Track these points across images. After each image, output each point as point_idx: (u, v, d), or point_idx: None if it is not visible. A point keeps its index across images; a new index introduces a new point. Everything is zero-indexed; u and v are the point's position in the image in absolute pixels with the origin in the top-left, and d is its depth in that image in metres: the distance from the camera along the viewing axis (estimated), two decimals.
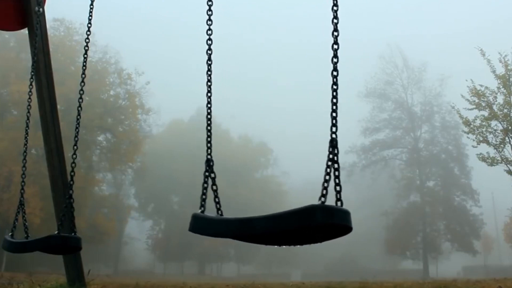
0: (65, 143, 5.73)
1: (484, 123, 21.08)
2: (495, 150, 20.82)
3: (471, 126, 21.41)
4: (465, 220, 42.00)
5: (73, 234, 3.76)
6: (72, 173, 3.85)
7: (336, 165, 2.09)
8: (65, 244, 3.76)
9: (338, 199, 2.05)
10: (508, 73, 20.82)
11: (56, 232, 3.69)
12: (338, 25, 2.32)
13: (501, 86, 20.96)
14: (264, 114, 78.72)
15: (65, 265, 5.64)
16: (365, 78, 47.09)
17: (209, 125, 2.81)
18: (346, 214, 1.99)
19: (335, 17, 2.33)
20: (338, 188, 2.08)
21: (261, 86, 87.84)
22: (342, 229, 2.05)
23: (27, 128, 4.48)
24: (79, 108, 4.09)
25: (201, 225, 2.37)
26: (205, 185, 2.58)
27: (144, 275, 33.45)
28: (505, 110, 20.60)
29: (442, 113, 45.48)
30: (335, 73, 2.27)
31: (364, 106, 46.72)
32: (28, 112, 4.47)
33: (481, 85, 21.42)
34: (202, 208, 2.49)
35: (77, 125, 3.98)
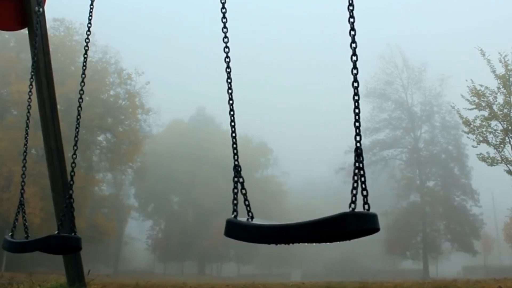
0: (65, 143, 5.73)
1: (484, 123, 21.07)
2: (495, 150, 20.82)
3: (471, 126, 21.41)
4: (465, 220, 42.00)
5: (73, 234, 3.76)
6: (72, 173, 3.85)
7: (362, 172, 2.20)
8: (65, 244, 3.76)
9: (366, 202, 2.17)
10: (508, 73, 20.81)
11: (56, 232, 3.69)
12: (355, 24, 2.34)
13: (501, 86, 20.96)
14: (264, 114, 78.78)
15: (65, 265, 5.64)
16: (365, 78, 47.01)
17: (233, 131, 2.88)
18: (374, 218, 2.13)
19: (351, 16, 2.35)
20: (365, 192, 2.19)
21: (261, 86, 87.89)
22: (371, 231, 2.16)
23: (27, 128, 4.48)
24: (79, 108, 4.09)
25: (236, 230, 2.47)
26: (235, 190, 2.66)
27: (144, 275, 33.45)
28: (505, 110, 20.59)
29: (442, 113, 45.49)
30: (355, 84, 2.30)
31: (364, 106, 46.67)
32: (28, 112, 4.47)
33: (481, 85, 21.42)
34: (235, 213, 2.57)
35: (77, 125, 3.98)
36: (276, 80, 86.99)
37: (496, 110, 20.83)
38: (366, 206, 2.16)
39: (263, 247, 35.39)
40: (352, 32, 2.32)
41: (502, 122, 20.65)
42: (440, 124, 45.69)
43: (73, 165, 3.87)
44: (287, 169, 59.52)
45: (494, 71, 21.01)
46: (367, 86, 46.33)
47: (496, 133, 20.79)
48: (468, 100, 21.81)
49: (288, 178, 59.95)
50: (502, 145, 20.56)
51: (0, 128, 30.50)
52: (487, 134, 20.89)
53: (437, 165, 44.54)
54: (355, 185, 2.15)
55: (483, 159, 21.33)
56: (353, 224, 2.03)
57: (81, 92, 4.06)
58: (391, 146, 46.24)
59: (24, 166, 4.36)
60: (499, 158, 20.70)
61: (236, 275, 50.18)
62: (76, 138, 3.95)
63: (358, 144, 2.24)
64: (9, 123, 30.67)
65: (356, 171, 2.19)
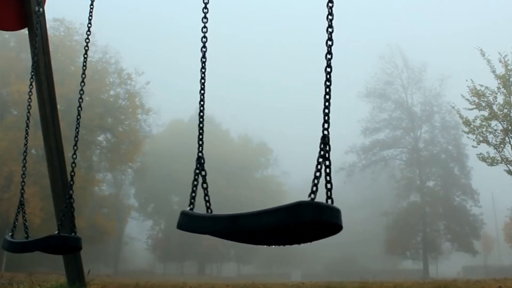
0: (65, 143, 5.73)
1: (484, 123, 21.07)
2: (495, 150, 20.81)
3: (471, 126, 21.40)
4: (465, 220, 42.00)
5: (73, 234, 3.76)
6: (72, 173, 3.85)
7: (327, 162, 2.05)
8: (65, 244, 3.76)
9: (329, 196, 2.00)
10: (508, 73, 20.81)
11: (56, 232, 3.69)
12: (333, 22, 2.30)
13: (501, 86, 20.96)
14: (264, 114, 78.78)
15: (65, 265, 5.64)
16: (365, 78, 47.13)
17: (201, 122, 2.87)
18: (336, 212, 1.93)
19: (330, 13, 2.31)
20: (329, 185, 2.02)
21: (261, 86, 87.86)
22: (332, 228, 2.00)
23: (27, 128, 4.49)
24: (79, 108, 4.09)
25: (189, 222, 2.35)
26: (195, 182, 2.58)
27: (144, 275, 33.45)
28: (505, 110, 20.59)
29: (442, 113, 45.49)
30: (328, 69, 2.25)
31: (364, 106, 46.75)
32: (28, 112, 4.48)
33: (481, 85, 21.42)
34: (191, 206, 2.47)
35: (77, 125, 3.99)
36: (276, 80, 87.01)
37: (496, 110, 20.84)
38: (329, 201, 1.99)
39: (263, 247, 35.34)
40: (330, 29, 2.28)
41: (502, 122, 20.65)
42: (440, 124, 45.69)
43: (73, 165, 3.88)
44: (287, 169, 59.56)
45: (494, 71, 21.02)
46: (367, 86, 46.44)
47: (496, 133, 20.79)
48: (468, 100, 21.82)
49: (288, 178, 60.00)
50: (502, 145, 20.56)
51: (0, 128, 30.49)
52: (487, 134, 20.90)
53: (437, 165, 44.54)
54: (317, 174, 2.01)
55: (483, 159, 21.32)
56: (308, 215, 1.85)
57: (81, 92, 4.06)
58: (391, 146, 46.24)
59: (24, 166, 4.37)
60: (499, 158, 20.71)
61: (236, 275, 50.19)
62: (76, 138, 3.95)
63: (325, 132, 2.10)
64: (9, 123, 30.65)
65: (321, 159, 2.04)
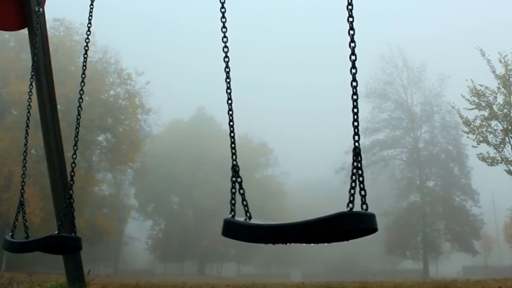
0: (65, 143, 5.74)
1: (484, 123, 21.06)
2: (495, 150, 20.80)
3: (471, 126, 21.40)
4: (465, 220, 42.00)
5: (73, 234, 3.76)
6: (72, 173, 3.85)
7: (360, 172, 2.18)
8: (65, 244, 3.76)
9: (364, 202, 2.17)
10: (508, 73, 20.81)
11: (56, 232, 3.69)
12: (354, 24, 2.36)
13: (501, 86, 20.95)
14: (264, 114, 78.74)
15: (65, 265, 5.64)
16: (365, 78, 47.05)
17: (232, 131, 2.87)
18: (372, 218, 2.12)
19: (351, 15, 2.36)
20: (363, 192, 2.19)
21: (261, 87, 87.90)
22: (369, 231, 2.16)
23: (27, 128, 4.48)
24: (79, 108, 4.09)
25: (234, 230, 2.46)
26: (233, 190, 2.64)
27: (144, 275, 33.48)
28: (505, 110, 20.58)
29: (442, 113, 45.50)
30: (354, 83, 2.30)
31: (364, 106, 46.69)
32: (28, 112, 4.47)
33: (481, 85, 21.41)
34: (233, 213, 2.56)
35: (77, 125, 3.98)
36: (276, 80, 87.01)
37: (496, 110, 20.82)
38: (364, 206, 2.15)
39: (263, 247, 35.39)
40: (351, 32, 2.33)
41: (502, 122, 20.64)
42: (440, 124, 45.70)
43: (73, 165, 3.88)
44: (287, 169, 59.58)
45: (494, 71, 21.01)
46: (367, 86, 46.37)
47: (496, 133, 20.78)
48: (468, 100, 21.81)
49: (288, 178, 60.01)
50: (502, 145, 20.55)
51: (0, 128, 30.50)
52: (487, 134, 20.88)
53: (437, 165, 44.54)
54: (353, 184, 2.15)
55: (483, 159, 21.32)
56: (351, 224, 2.03)
57: (81, 92, 4.06)
58: (391, 146, 46.24)
59: (24, 166, 4.37)
60: (499, 158, 20.69)
61: (236, 275, 50.18)
62: (76, 138, 3.95)
63: (356, 144, 2.22)
64: (9, 123, 30.65)
65: (354, 170, 2.18)
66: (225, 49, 2.96)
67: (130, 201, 51.36)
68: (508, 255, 55.98)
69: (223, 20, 2.99)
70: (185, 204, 53.57)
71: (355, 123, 2.26)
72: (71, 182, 3.87)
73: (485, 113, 21.15)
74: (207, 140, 50.90)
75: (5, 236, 4.17)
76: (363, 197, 2.18)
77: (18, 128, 26.77)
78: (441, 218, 43.10)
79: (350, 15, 2.35)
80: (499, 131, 20.69)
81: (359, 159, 2.19)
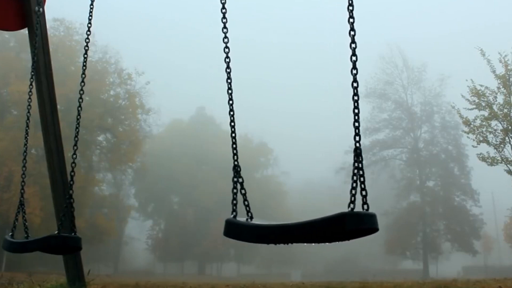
0: (65, 143, 5.73)
1: (484, 123, 21.05)
2: (495, 150, 20.80)
3: (471, 126, 21.39)
4: (465, 220, 42.01)
5: (73, 234, 3.76)
6: (72, 173, 3.85)
7: (361, 172, 2.20)
8: (65, 244, 3.76)
9: (365, 202, 2.18)
10: (508, 73, 20.80)
11: (56, 232, 3.69)
12: (355, 24, 2.35)
13: (501, 86, 20.94)
14: (264, 114, 78.73)
15: (65, 265, 5.64)
16: (365, 78, 47.05)
17: (233, 132, 2.87)
18: (373, 218, 2.13)
19: (351, 16, 2.36)
20: (364, 193, 2.20)
21: (262, 87, 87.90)
22: (370, 231, 2.17)
23: (27, 128, 4.48)
24: (79, 108, 4.09)
25: (235, 230, 2.46)
26: (235, 190, 2.65)
27: (144, 275, 33.46)
28: (505, 110, 20.57)
29: (442, 113, 45.51)
30: (355, 84, 2.30)
31: (364, 106, 46.69)
32: (28, 112, 4.47)
33: (481, 85, 21.41)
34: (234, 213, 2.56)
35: (77, 125, 3.98)
36: (276, 80, 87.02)
37: (496, 110, 20.82)
38: (365, 206, 2.16)
39: (263, 247, 35.39)
40: (352, 33, 2.33)
41: (502, 122, 20.63)
42: (440, 124, 45.71)
43: (73, 165, 3.87)
44: (287, 169, 59.56)
45: (494, 71, 21.01)
46: (367, 86, 46.38)
47: (496, 133, 20.77)
48: (468, 100, 21.80)
49: (288, 178, 60.00)
50: (502, 145, 20.54)
51: (0, 128, 30.50)
52: (487, 134, 20.87)
53: (437, 165, 44.54)
54: (354, 185, 2.16)
55: (483, 159, 21.31)
56: (352, 224, 2.04)
57: (81, 92, 4.06)
58: (391, 146, 46.25)
59: (24, 166, 4.36)
60: (499, 158, 20.69)
61: (236, 275, 50.17)
62: (76, 138, 3.95)
63: (357, 144, 2.23)
64: (9, 123, 30.66)
65: (355, 171, 2.19)
66: (226, 50, 2.96)
67: (130, 201, 51.40)
68: (508, 255, 55.97)
69: (224, 20, 2.99)
70: (185, 204, 53.55)
71: (356, 124, 2.27)
72: (71, 182, 3.87)
73: (485, 113, 21.15)
74: (207, 140, 50.89)
75: (5, 236, 4.16)
76: (364, 197, 2.19)
77: (18, 128, 26.77)
78: (441, 218, 43.11)
79: (351, 16, 2.35)
80: (499, 131, 20.69)
81: (360, 159, 2.20)
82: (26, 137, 4.49)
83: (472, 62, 26.52)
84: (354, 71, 2.30)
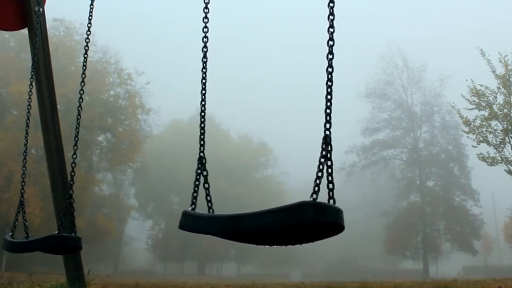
0: (65, 143, 5.73)
1: (484, 123, 21.06)
2: (495, 150, 20.81)
3: (471, 126, 21.39)
4: (465, 220, 42.01)
5: (73, 234, 3.76)
6: (72, 173, 3.85)
7: (329, 162, 2.06)
8: (65, 244, 3.76)
9: (331, 197, 2.02)
10: (508, 73, 20.81)
11: (56, 232, 3.69)
12: (334, 22, 2.32)
13: (501, 86, 20.96)
14: (264, 114, 78.72)
15: (65, 265, 5.64)
16: (365, 78, 47.11)
17: (202, 122, 2.86)
18: (338, 212, 1.94)
19: (331, 13, 2.33)
20: (330, 185, 2.05)
21: (262, 87, 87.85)
22: (334, 228, 2.01)
23: (27, 128, 4.48)
24: (79, 108, 4.09)
25: (191, 222, 2.34)
26: (197, 182, 2.57)
27: (144, 275, 33.46)
28: (505, 110, 20.58)
29: (442, 113, 45.52)
30: (330, 69, 2.26)
31: (364, 106, 46.73)
32: (28, 112, 4.47)
33: (481, 85, 21.42)
34: (193, 206, 2.47)
35: (77, 125, 3.99)
36: (276, 80, 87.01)
37: (496, 110, 20.83)
38: (331, 201, 2.01)
39: (264, 247, 35.32)
40: (331, 30, 2.31)
41: (502, 122, 20.64)
42: (440, 124, 45.71)
43: (73, 165, 3.88)
44: (287, 169, 59.54)
45: (494, 71, 21.01)
46: (367, 86, 46.44)
47: (496, 133, 20.78)
48: (468, 100, 21.81)
49: (288, 178, 59.98)
50: (502, 145, 20.55)
51: (0, 128, 30.50)
52: (487, 134, 20.88)
53: (437, 165, 44.54)
54: (319, 174, 2.02)
55: (483, 159, 21.32)
56: (312, 215, 1.86)
57: (81, 92, 4.06)
58: (391, 146, 46.25)
59: (24, 166, 4.37)
60: (499, 158, 20.69)
61: (236, 275, 50.18)
62: (76, 138, 3.95)
63: (327, 132, 2.12)
64: (9, 123, 30.66)
65: (322, 159, 2.05)
66: (205, 39, 2.93)
67: (130, 201, 51.39)
68: (508, 255, 55.96)
69: (206, 10, 2.99)
70: (185, 204, 53.03)
71: (328, 110, 2.18)
72: (71, 182, 3.87)
73: (485, 113, 21.16)
74: (207, 140, 50.57)
75: (5, 236, 4.17)
76: (331, 190, 2.04)
77: (18, 128, 26.76)
78: (441, 218, 43.11)
79: (331, 13, 2.33)
80: (499, 131, 20.70)
81: (329, 148, 2.08)
82: (26, 137, 4.50)
83: (472, 62, 26.53)
84: (330, 56, 2.26)
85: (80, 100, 4.10)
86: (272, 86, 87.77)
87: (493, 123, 20.92)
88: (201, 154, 2.70)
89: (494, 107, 20.93)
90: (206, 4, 2.97)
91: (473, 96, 21.50)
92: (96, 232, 33.68)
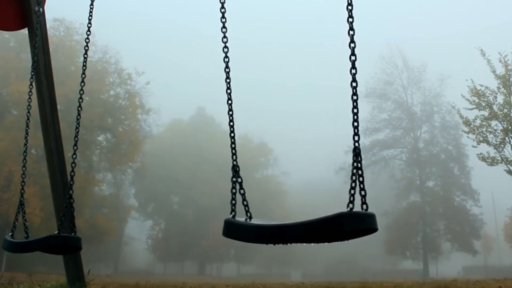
0: (65, 143, 5.73)
1: (484, 123, 21.05)
2: (495, 150, 20.80)
3: (471, 126, 21.38)
4: (465, 220, 42.01)
5: (73, 234, 3.76)
6: (72, 173, 3.84)
7: (360, 172, 2.19)
8: (65, 244, 3.76)
9: (364, 202, 2.18)
10: (508, 73, 20.80)
11: (56, 232, 3.69)
12: (354, 24, 2.37)
13: (501, 86, 20.94)
14: (264, 114, 78.74)
15: (65, 265, 5.64)
16: (365, 78, 47.06)
17: (232, 131, 2.87)
18: (372, 218, 2.13)
19: (350, 15, 2.37)
20: (363, 192, 2.20)
21: (262, 87, 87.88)
22: (369, 231, 2.17)
23: (27, 128, 4.48)
24: (79, 108, 4.09)
25: (234, 230, 2.46)
26: (234, 190, 2.65)
27: (144, 275, 33.46)
28: (505, 110, 20.57)
29: (442, 113, 45.53)
30: (354, 84, 2.31)
31: (364, 106, 46.69)
32: (28, 112, 4.47)
33: (481, 85, 21.41)
34: (233, 213, 2.56)
35: (77, 125, 3.98)
36: (276, 80, 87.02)
37: (496, 110, 20.82)
38: (364, 206, 2.17)
39: (263, 247, 35.38)
40: (351, 32, 2.34)
41: (502, 122, 20.63)
42: (440, 124, 45.72)
43: (73, 165, 3.87)
44: (287, 169, 59.55)
45: (494, 71, 21.00)
46: (367, 86, 46.39)
47: (496, 133, 20.77)
48: (468, 100, 21.80)
49: (288, 178, 59.99)
50: (502, 145, 20.54)
51: (0, 128, 30.50)
52: (487, 134, 20.87)
53: (437, 165, 44.54)
54: (353, 185, 2.16)
55: (483, 159, 21.31)
56: (351, 224, 2.04)
57: (81, 92, 4.06)
58: (391, 146, 46.25)
59: (24, 166, 4.36)
60: (499, 158, 20.68)
61: (236, 275, 50.17)
62: (76, 138, 3.95)
63: (356, 144, 2.24)
64: (9, 123, 30.65)
65: (355, 171, 2.19)
66: (225, 49, 2.97)
67: (130, 201, 51.39)
68: (508, 255, 55.94)
69: (223, 20, 2.99)
70: (185, 204, 53.56)
71: (355, 123, 2.27)
72: (71, 182, 3.87)
73: (485, 113, 21.15)
74: (207, 140, 50.88)
75: (5, 236, 4.16)
76: (363, 197, 2.19)
77: (18, 128, 26.76)
78: (441, 218, 43.11)
79: (350, 16, 2.36)
80: (499, 131, 20.68)
81: (359, 159, 2.20)
82: (26, 137, 4.49)
83: (472, 62, 26.53)
84: (353, 71, 2.31)
85: (80, 100, 4.10)
86: (272, 86, 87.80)
87: (493, 123, 20.92)
88: (234, 163, 2.74)
89: (494, 107, 20.92)
90: (222, 3, 2.98)
91: (473, 96, 21.50)
92: (96, 232, 33.68)
